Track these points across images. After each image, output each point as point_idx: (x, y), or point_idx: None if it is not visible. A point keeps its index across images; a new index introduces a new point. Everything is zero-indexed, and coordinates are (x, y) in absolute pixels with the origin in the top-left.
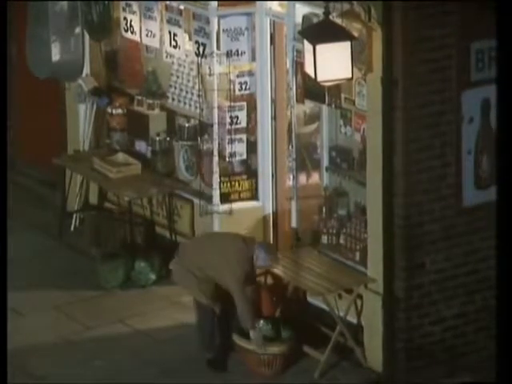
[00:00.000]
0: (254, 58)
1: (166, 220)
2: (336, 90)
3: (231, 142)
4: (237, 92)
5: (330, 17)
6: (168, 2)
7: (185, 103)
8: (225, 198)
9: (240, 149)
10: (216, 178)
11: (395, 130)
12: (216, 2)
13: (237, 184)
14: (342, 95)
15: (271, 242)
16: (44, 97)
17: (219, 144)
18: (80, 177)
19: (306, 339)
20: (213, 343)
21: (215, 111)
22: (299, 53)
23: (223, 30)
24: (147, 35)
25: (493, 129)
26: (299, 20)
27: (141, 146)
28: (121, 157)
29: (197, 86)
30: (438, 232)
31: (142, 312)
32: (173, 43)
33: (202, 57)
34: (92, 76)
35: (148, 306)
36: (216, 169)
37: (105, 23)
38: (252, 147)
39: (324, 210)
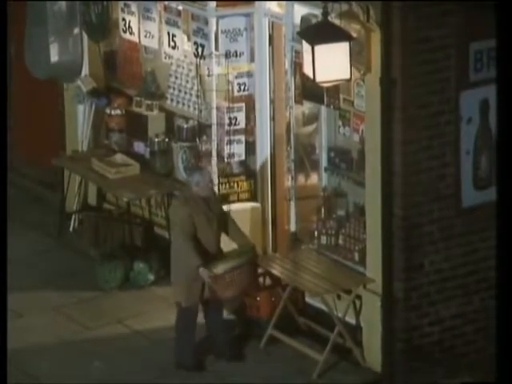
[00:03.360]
0: (252, 59)
1: (165, 221)
2: (335, 90)
3: (230, 142)
4: (235, 93)
5: (329, 17)
6: (167, 3)
7: (183, 104)
8: (223, 198)
9: (239, 150)
10: (215, 178)
11: (394, 131)
12: (214, 3)
13: (235, 185)
14: (341, 96)
15: (270, 243)
16: (43, 97)
17: (218, 145)
18: (79, 177)
19: (305, 340)
20: (189, 346)
21: (214, 112)
22: (298, 53)
23: (222, 31)
24: (146, 36)
25: (491, 129)
26: (298, 21)
27: (139, 146)
28: (119, 157)
29: (195, 87)
30: (437, 232)
31: (140, 313)
32: (171, 44)
33: (200, 58)
34: (91, 77)
35: (147, 307)
36: (214, 170)
37: (103, 24)
38: (251, 148)
39: (323, 210)
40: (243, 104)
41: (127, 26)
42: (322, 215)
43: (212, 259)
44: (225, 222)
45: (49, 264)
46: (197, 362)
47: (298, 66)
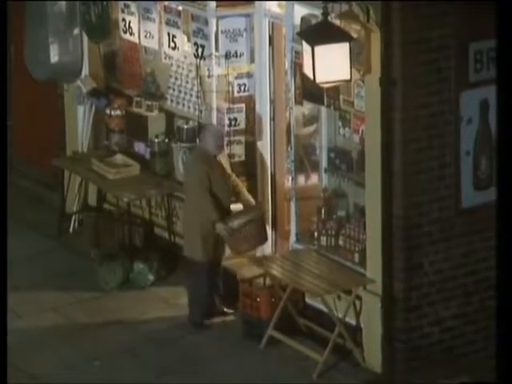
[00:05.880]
0: (252, 60)
1: (165, 221)
2: (335, 91)
3: (230, 143)
4: (235, 93)
5: (329, 18)
6: (166, 4)
7: (183, 105)
8: None
9: (239, 150)
10: None
11: (394, 131)
12: (214, 3)
13: None
14: (341, 96)
15: (270, 242)
16: (43, 98)
17: None
18: (79, 178)
19: (305, 340)
20: (204, 305)
21: (214, 113)
22: (298, 54)
23: (222, 32)
24: (146, 36)
25: (491, 129)
26: (298, 21)
27: (139, 147)
28: (119, 158)
29: (195, 88)
30: (437, 233)
31: (140, 313)
32: (171, 44)
33: (200, 58)
34: (91, 77)
35: (147, 307)
36: None
37: (103, 24)
38: (251, 149)
39: (323, 211)
40: (243, 105)
41: (127, 26)
42: (322, 216)
43: (226, 215)
44: (234, 181)
45: (49, 264)
46: (201, 319)
47: (298, 66)
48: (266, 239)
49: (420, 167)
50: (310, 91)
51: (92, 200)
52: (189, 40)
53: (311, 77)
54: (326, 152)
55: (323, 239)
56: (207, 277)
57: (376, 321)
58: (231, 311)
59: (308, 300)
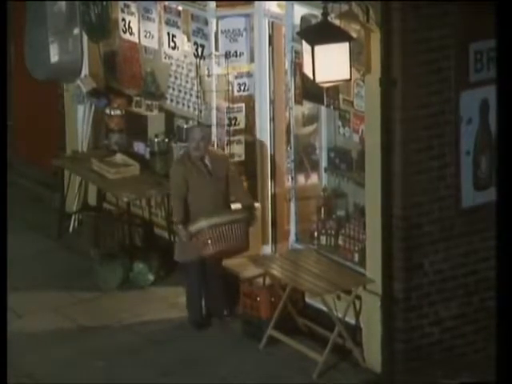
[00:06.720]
0: (252, 59)
1: (165, 221)
2: (334, 90)
3: (230, 143)
4: (235, 93)
5: (329, 18)
6: (166, 3)
7: (183, 104)
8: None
9: (238, 150)
10: None
11: (394, 131)
12: (214, 3)
13: None
14: (341, 96)
15: (270, 243)
16: (42, 98)
17: (217, 145)
18: (79, 178)
19: (305, 340)
20: (199, 305)
21: (214, 112)
22: (298, 54)
23: (222, 31)
24: (146, 36)
25: (491, 129)
26: (298, 21)
27: (139, 147)
28: (119, 158)
29: (195, 87)
30: (437, 233)
31: (140, 313)
32: (171, 44)
33: (200, 58)
34: (90, 77)
35: (146, 307)
36: None
37: (103, 24)
38: (250, 148)
39: (323, 210)
40: (243, 104)
41: (127, 26)
42: (322, 215)
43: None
44: (229, 182)
45: (49, 264)
46: (200, 319)
47: (297, 66)
48: (243, 246)
49: (420, 167)
50: (309, 91)
51: (92, 200)
52: (189, 40)
53: (311, 76)
54: (326, 152)
55: (323, 239)
56: (193, 276)
57: (376, 321)
58: (229, 316)
59: (308, 300)
